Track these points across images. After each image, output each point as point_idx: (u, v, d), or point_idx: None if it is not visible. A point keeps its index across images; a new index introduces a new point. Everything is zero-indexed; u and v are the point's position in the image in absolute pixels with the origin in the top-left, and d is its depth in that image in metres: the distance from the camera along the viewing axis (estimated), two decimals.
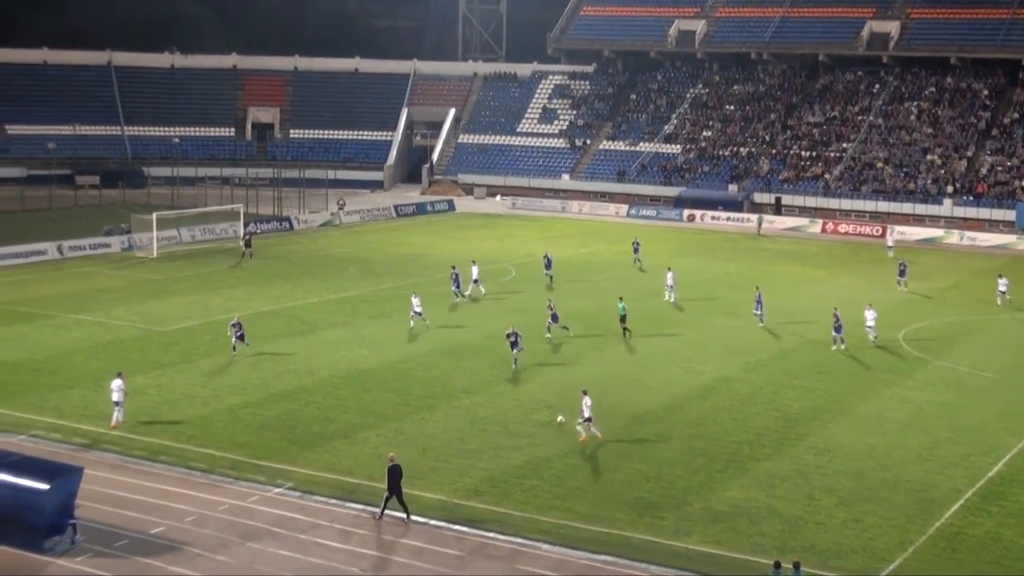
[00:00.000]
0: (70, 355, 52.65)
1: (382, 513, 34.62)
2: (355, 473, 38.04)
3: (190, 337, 56.00)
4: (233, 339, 52.59)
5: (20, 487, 32.21)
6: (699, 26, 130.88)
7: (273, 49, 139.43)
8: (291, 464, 38.79)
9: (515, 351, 51.16)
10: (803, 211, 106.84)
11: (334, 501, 35.80)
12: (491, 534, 33.62)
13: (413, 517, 34.45)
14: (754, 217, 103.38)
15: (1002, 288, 68.96)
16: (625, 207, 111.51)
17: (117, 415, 42.32)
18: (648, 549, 32.82)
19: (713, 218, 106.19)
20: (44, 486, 31.96)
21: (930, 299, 70.19)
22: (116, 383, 42.47)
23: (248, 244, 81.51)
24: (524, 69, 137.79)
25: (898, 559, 32.52)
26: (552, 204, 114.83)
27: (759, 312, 61.72)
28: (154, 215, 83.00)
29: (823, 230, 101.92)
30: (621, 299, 59.12)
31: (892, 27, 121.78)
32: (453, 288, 66.28)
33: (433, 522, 34.41)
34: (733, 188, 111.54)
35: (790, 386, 49.60)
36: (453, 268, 68.17)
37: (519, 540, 33.25)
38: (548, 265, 73.31)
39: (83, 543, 32.24)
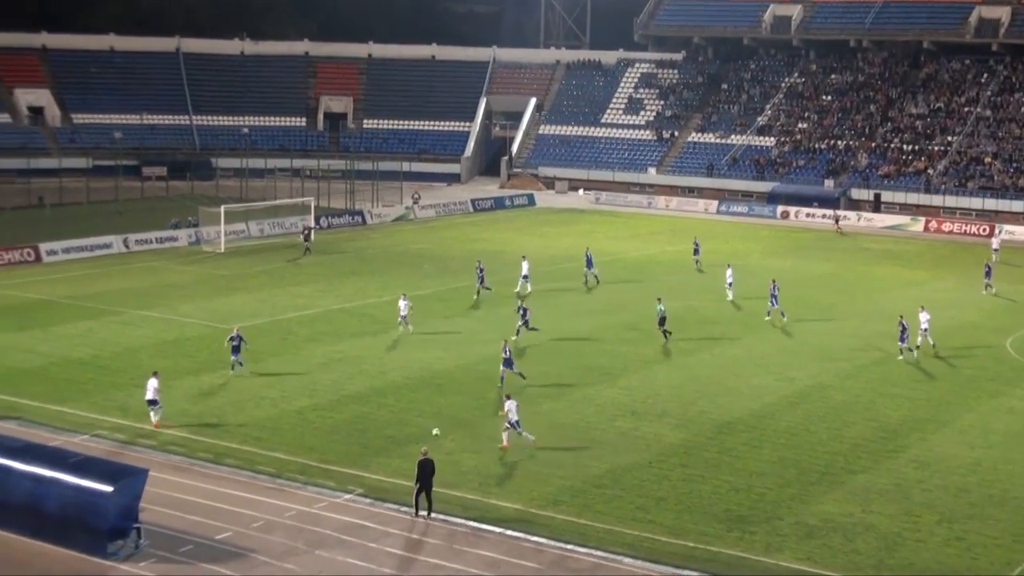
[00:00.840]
0: (136, 353, 53.40)
1: (416, 510, 35.22)
2: None
3: (258, 336, 56.46)
4: (231, 356, 49.90)
5: (83, 489, 32.73)
6: (795, 11, 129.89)
7: (347, 35, 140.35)
8: (362, 469, 39.04)
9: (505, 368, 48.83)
10: (904, 208, 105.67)
11: (406, 509, 35.97)
12: (570, 546, 33.61)
13: (489, 527, 34.56)
14: (843, 213, 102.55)
15: None
16: (715, 203, 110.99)
17: (154, 416, 42.89)
18: (736, 565, 32.65)
19: (808, 215, 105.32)
20: (108, 488, 32.44)
21: None
22: (152, 383, 43.06)
23: (307, 238, 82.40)
24: (609, 57, 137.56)
25: None
26: (637, 199, 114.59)
27: (775, 306, 61.90)
28: (222, 208, 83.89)
29: (925, 229, 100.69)
30: (660, 300, 58.64)
31: (1003, 13, 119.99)
32: (477, 284, 66.58)
33: (510, 532, 34.47)
34: (829, 183, 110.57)
35: (888, 395, 49.08)
36: (479, 263, 68.70)
37: (600, 553, 33.21)
38: (589, 263, 72.16)
39: (147, 547, 32.68)
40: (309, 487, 37.64)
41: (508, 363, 48.82)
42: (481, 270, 67.51)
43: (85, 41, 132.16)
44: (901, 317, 55.84)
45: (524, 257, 70.04)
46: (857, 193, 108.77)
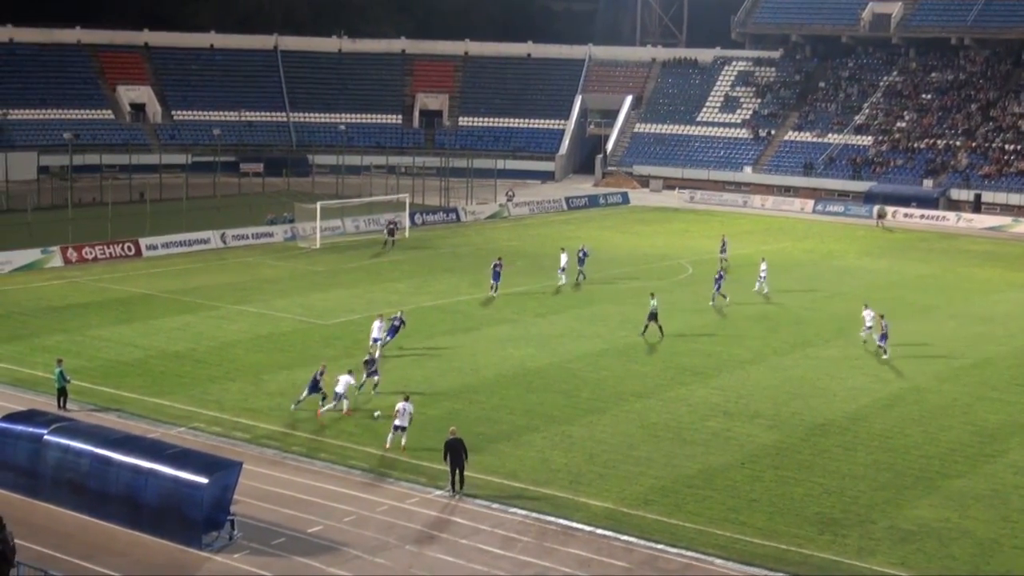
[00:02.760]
0: (232, 347, 54.05)
1: (453, 489, 36.63)
2: (519, 477, 38.28)
3: (352, 331, 56.95)
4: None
5: (180, 480, 33.24)
6: (895, 8, 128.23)
7: (443, 33, 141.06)
8: None
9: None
10: (1005, 209, 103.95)
11: (496, 505, 36.07)
12: (661, 546, 33.51)
13: (579, 525, 34.57)
14: (891, 208, 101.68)
15: None
16: (811, 202, 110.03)
17: (342, 404, 43.83)
18: (829, 568, 32.34)
19: (906, 215, 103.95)
20: (203, 480, 32.91)
21: None
22: (344, 378, 44.15)
23: (391, 233, 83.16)
24: (705, 55, 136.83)
25: None
26: (733, 198, 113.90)
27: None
28: (318, 204, 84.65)
29: None
30: (653, 295, 58.44)
31: None
32: (492, 281, 66.22)
33: (600, 531, 34.44)
34: (928, 183, 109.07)
35: (987, 398, 48.33)
36: (498, 259, 67.97)
37: (690, 554, 33.08)
38: (582, 260, 70.84)
39: (241, 539, 33.09)
40: (401, 483, 37.86)
41: (393, 331, 52.80)
42: (498, 268, 66.66)
43: (186, 39, 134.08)
44: (882, 317, 55.32)
45: (563, 249, 71.04)
46: (957, 193, 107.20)
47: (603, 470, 39.21)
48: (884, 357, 53.88)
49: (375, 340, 52.60)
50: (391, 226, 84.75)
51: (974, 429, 44.25)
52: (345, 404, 43.97)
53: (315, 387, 44.13)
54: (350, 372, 44.89)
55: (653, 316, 56.97)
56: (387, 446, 40.42)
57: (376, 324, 53.19)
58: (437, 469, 38.38)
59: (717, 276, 65.90)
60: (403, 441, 40.30)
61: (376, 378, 46.43)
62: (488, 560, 32.49)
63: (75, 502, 34.77)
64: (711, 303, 64.81)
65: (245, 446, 40.74)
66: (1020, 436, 43.56)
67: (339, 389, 43.93)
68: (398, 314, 54.53)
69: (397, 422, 40.29)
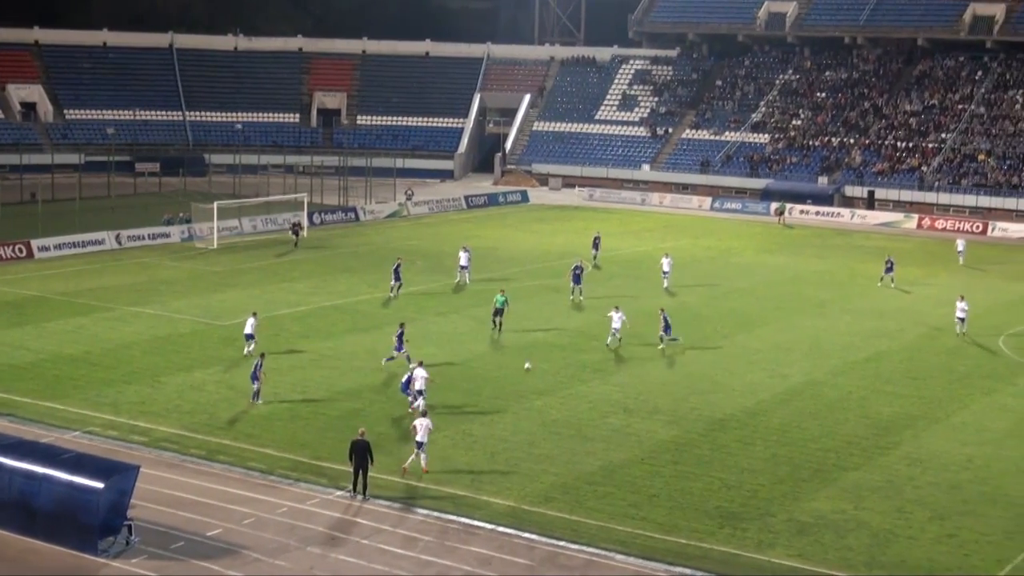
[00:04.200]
0: (128, 349, 53.37)
1: (354, 491, 36.35)
2: (422, 477, 38.22)
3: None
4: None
5: (74, 485, 32.72)
6: (790, 8, 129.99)
7: (341, 31, 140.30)
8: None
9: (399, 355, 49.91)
10: (897, 205, 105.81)
11: (398, 505, 36.02)
12: (562, 543, 33.65)
13: (480, 523, 34.63)
14: (788, 205, 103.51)
15: None
16: (709, 200, 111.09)
17: (419, 403, 43.99)
18: (728, 562, 32.70)
19: (803, 212, 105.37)
20: (99, 484, 32.43)
21: None
22: (419, 372, 44.56)
23: (296, 232, 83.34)
24: (604, 53, 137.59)
25: None
26: (631, 196, 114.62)
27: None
28: (215, 204, 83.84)
29: (919, 226, 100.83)
30: (502, 292, 59.48)
31: (997, 10, 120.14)
32: (393, 281, 65.91)
33: (502, 529, 34.51)
34: (823, 181, 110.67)
35: (881, 391, 49.18)
36: (399, 259, 68.21)
37: (592, 550, 33.26)
38: (578, 279, 66.49)
39: (139, 544, 32.69)
40: (301, 484, 37.67)
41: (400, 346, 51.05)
42: (397, 267, 66.56)
43: (78, 36, 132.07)
44: (662, 310, 56.56)
45: (464, 248, 71.13)
46: (851, 190, 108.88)
47: (504, 468, 39.30)
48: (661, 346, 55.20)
49: (249, 337, 52.49)
50: (295, 227, 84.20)
51: (869, 422, 45.01)
52: (421, 403, 43.38)
53: (401, 344, 49.41)
54: (421, 364, 45.33)
55: (499, 312, 57.41)
56: (405, 467, 38.66)
57: (249, 321, 52.89)
58: (338, 470, 38.23)
59: (575, 271, 66.08)
60: (423, 461, 38.41)
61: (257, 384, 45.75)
62: (389, 560, 32.42)
63: None
64: (570, 297, 65.45)
65: (142, 449, 40.26)
66: (913, 428, 44.39)
67: (419, 386, 44.21)
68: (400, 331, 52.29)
69: (418, 438, 38.53)
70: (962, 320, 58.40)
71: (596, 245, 78.16)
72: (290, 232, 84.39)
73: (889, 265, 72.15)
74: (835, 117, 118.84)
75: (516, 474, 38.78)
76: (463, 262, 69.71)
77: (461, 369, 51.17)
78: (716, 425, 44.29)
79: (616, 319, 54.92)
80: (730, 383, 49.90)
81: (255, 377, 45.37)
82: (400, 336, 50.68)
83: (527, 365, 50.25)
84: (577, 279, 65.94)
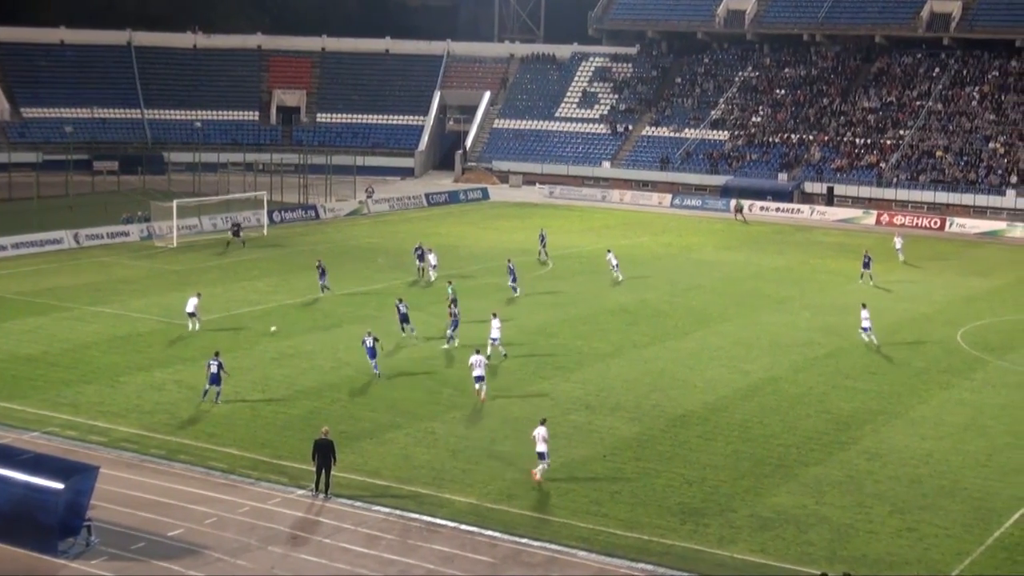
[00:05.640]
0: (87, 349, 53.03)
1: (316, 490, 36.38)
2: (382, 475, 38.16)
3: (211, 331, 56.21)
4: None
5: (33, 486, 32.46)
6: (749, 5, 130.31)
7: (300, 29, 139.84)
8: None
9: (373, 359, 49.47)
10: (856, 202, 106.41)
11: (360, 504, 35.92)
12: (525, 540, 33.65)
13: (442, 521, 34.58)
14: (747, 202, 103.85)
15: None
16: (669, 196, 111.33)
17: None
18: (691, 558, 32.77)
19: (763, 209, 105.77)
20: (58, 485, 32.19)
21: (991, 296, 69.71)
22: (476, 359, 46.53)
23: (236, 233, 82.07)
24: (563, 51, 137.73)
25: (955, 570, 32.36)
26: (592, 193, 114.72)
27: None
28: (174, 203, 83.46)
29: (877, 222, 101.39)
30: (451, 282, 61.14)
31: (954, 7, 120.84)
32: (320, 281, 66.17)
33: (464, 527, 34.48)
34: (783, 177, 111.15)
35: (841, 387, 49.39)
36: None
37: (555, 547, 33.27)
38: (421, 256, 72.10)
39: (99, 545, 32.47)
40: (262, 483, 37.51)
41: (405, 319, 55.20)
42: (321, 269, 66.43)
43: (34, 34, 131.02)
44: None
45: (427, 249, 71.90)
46: (810, 186, 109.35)
47: (466, 466, 39.26)
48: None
49: (191, 314, 55.91)
50: (235, 228, 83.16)
51: (829, 417, 45.21)
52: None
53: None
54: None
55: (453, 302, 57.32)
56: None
57: (192, 301, 55.98)
58: (299, 469, 38.11)
59: (510, 268, 67.03)
60: (539, 471, 38.03)
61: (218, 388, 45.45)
62: (352, 559, 32.33)
63: None
64: (515, 294, 65.94)
65: (102, 450, 40.00)
66: (872, 423, 44.61)
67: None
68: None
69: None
70: (866, 329, 56.59)
71: (543, 241, 78.49)
72: (229, 232, 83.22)
73: (867, 261, 72.33)
74: (794, 114, 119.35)
75: (478, 472, 38.75)
76: (433, 261, 70.15)
77: (422, 366, 51.06)
78: (678, 421, 44.38)
79: (494, 327, 52.78)
80: (691, 379, 50.02)
81: (216, 379, 44.92)
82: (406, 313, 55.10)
83: (273, 328, 54.63)
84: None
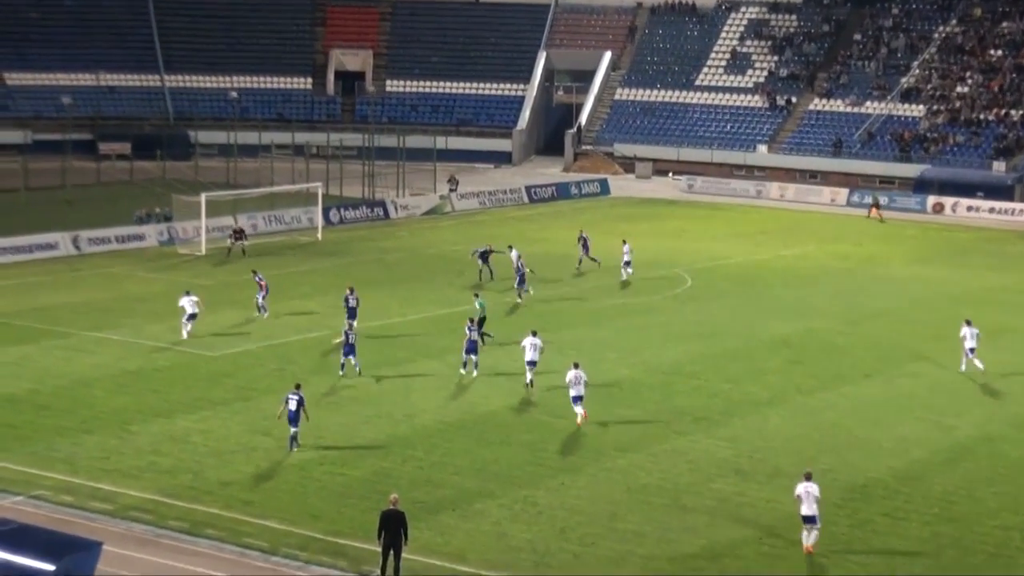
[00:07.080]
0: (88, 387, 53.57)
1: (383, 573, 35.72)
2: (468, 559, 38.09)
3: (249, 366, 56.62)
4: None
5: (16, 566, 32.74)
6: None
7: None
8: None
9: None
10: None
11: None
12: None
13: None
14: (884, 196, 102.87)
15: None
16: (844, 192, 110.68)
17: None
18: None
19: (970, 208, 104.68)
20: (49, 567, 32.45)
21: None
22: (573, 374, 49.09)
23: (238, 238, 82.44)
24: None
25: None
26: (743, 187, 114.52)
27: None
28: (203, 197, 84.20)
29: None
30: (477, 295, 62.59)
31: None
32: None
33: None
34: (999, 167, 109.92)
35: None
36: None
37: None
38: (484, 258, 75.37)
39: None
40: (313, 567, 37.59)
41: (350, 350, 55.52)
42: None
43: None
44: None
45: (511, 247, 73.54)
46: None
47: (578, 548, 39.10)
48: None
49: (191, 316, 58.54)
50: (236, 233, 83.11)
51: None
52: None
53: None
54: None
55: (480, 322, 58.67)
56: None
57: (186, 300, 58.09)
58: (360, 549, 38.16)
59: (518, 271, 70.32)
60: (809, 538, 38.79)
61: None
62: None
63: None
64: (519, 299, 69.26)
65: (106, 520, 40.32)
66: None
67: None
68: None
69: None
70: (972, 350, 57.13)
71: (585, 246, 78.99)
72: (228, 239, 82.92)
73: None
74: (1015, 83, 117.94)
75: (593, 555, 38.59)
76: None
77: (523, 415, 51.08)
78: (856, 493, 43.92)
79: (531, 347, 53.96)
80: (875, 437, 49.51)
81: (294, 418, 45.57)
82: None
83: (336, 341, 57.22)
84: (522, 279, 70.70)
